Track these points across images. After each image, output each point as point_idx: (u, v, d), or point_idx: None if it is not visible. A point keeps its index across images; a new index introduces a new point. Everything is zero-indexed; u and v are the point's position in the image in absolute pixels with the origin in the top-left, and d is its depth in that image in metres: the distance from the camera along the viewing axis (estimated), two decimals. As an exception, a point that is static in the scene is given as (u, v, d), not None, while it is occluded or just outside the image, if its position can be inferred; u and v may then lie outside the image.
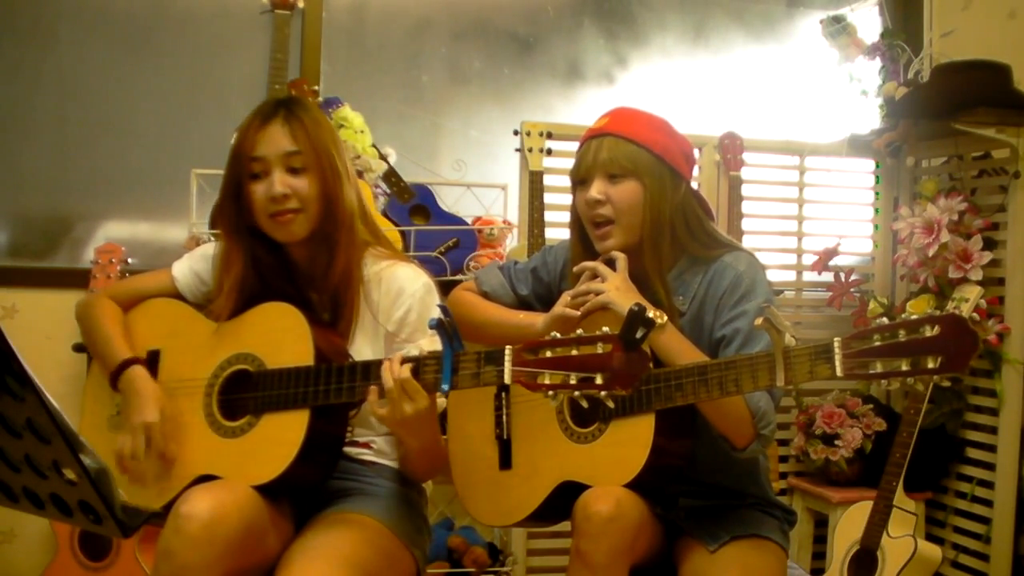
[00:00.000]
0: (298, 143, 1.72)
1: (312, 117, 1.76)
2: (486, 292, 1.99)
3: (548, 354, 1.44)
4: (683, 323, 1.82)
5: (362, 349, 1.77)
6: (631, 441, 1.72)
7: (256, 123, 1.74)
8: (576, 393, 1.42)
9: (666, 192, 1.79)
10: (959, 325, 1.35)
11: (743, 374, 1.57)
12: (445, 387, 1.53)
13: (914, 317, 1.39)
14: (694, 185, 1.93)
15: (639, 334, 1.39)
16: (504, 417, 1.91)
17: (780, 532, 1.87)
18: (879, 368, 1.40)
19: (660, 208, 1.78)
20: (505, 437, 1.90)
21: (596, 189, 1.79)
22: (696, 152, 3.11)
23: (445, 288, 2.11)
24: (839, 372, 1.44)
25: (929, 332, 1.36)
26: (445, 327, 1.51)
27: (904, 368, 1.37)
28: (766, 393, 1.69)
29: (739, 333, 1.73)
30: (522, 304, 1.98)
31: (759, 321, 1.50)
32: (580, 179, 1.84)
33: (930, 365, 1.35)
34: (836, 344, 1.45)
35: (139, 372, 1.76)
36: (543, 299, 1.97)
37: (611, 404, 1.44)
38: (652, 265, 1.80)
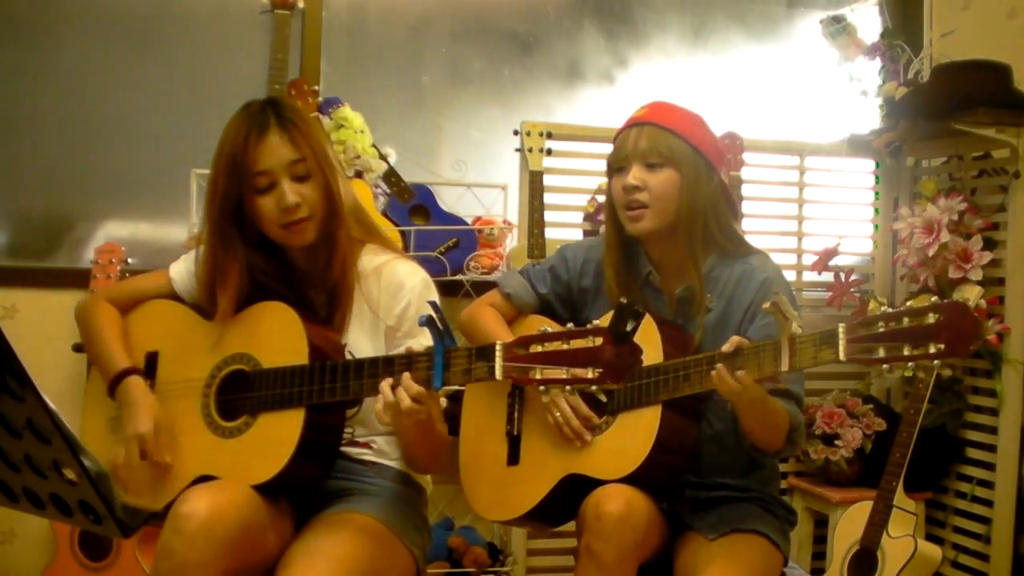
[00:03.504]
0: (300, 150, 1.71)
1: (302, 118, 1.75)
2: (508, 294, 2.03)
3: (539, 349, 1.44)
4: (709, 319, 1.86)
5: (361, 344, 1.78)
6: (636, 431, 1.74)
7: (253, 135, 1.69)
8: (568, 388, 1.43)
9: (701, 182, 1.85)
10: (960, 311, 1.38)
11: (749, 361, 1.61)
12: (437, 384, 1.54)
13: (917, 305, 1.42)
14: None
15: (629, 327, 1.40)
16: (516, 414, 1.93)
17: (780, 532, 1.88)
18: (882, 353, 1.43)
19: (695, 197, 1.84)
20: (515, 433, 1.92)
21: (634, 175, 1.84)
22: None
23: (445, 288, 2.12)
24: (842, 356, 1.48)
25: (932, 319, 1.39)
26: (436, 324, 1.52)
27: (906, 353, 1.40)
28: (797, 408, 1.77)
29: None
30: (542, 303, 2.02)
31: (767, 306, 1.55)
32: (618, 166, 1.88)
33: (931, 350, 1.38)
34: (841, 329, 1.49)
35: (135, 382, 1.76)
36: (562, 297, 2.02)
37: (603, 398, 1.45)
38: (687, 252, 1.86)
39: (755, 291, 1.83)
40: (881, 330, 1.43)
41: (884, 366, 1.44)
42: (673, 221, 1.85)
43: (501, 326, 1.99)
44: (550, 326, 1.49)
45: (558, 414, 1.80)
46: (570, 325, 1.45)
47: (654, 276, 1.92)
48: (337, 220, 1.76)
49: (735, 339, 1.64)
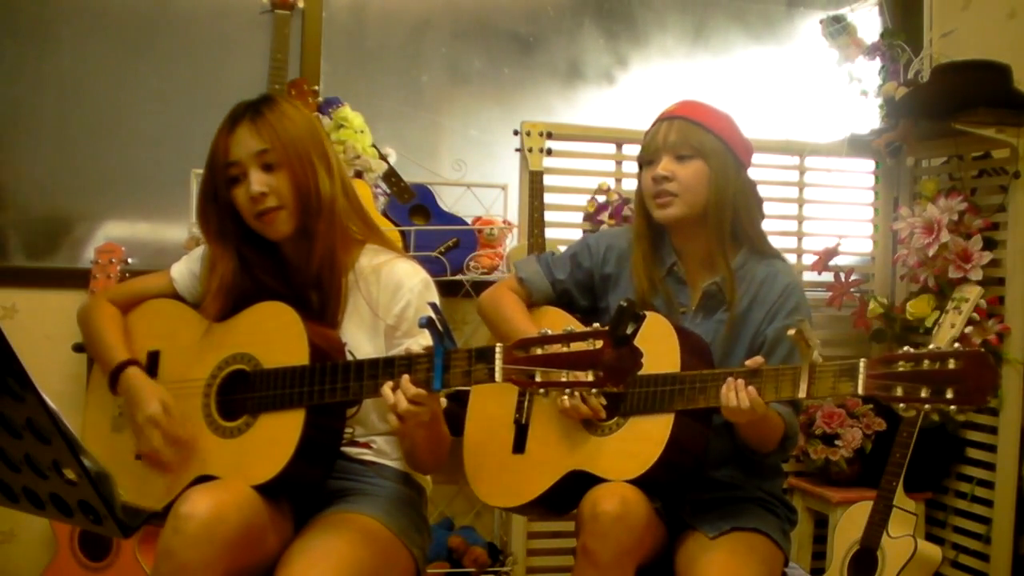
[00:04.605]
0: (265, 140, 1.72)
1: (279, 112, 1.75)
2: (522, 278, 2.04)
3: (539, 351, 1.44)
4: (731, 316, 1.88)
5: (360, 343, 1.78)
6: (647, 437, 1.74)
7: (226, 129, 1.75)
8: (567, 391, 1.43)
9: (729, 175, 1.89)
10: (981, 361, 1.40)
11: (767, 384, 1.63)
12: (436, 386, 1.55)
13: (941, 348, 1.44)
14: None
15: (629, 329, 1.40)
16: (526, 402, 1.93)
17: (781, 532, 1.89)
18: (900, 392, 1.46)
19: (724, 188, 1.88)
20: (523, 422, 1.92)
21: (663, 167, 1.87)
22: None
23: (445, 288, 2.12)
24: (860, 391, 1.51)
25: (952, 364, 1.41)
26: (436, 325, 1.52)
27: (923, 395, 1.43)
28: (793, 416, 1.80)
29: (782, 341, 1.82)
30: (558, 290, 2.03)
31: (791, 332, 1.57)
32: (648, 159, 1.92)
33: (948, 396, 1.41)
34: (862, 364, 1.52)
35: (135, 372, 1.77)
36: (582, 285, 2.02)
37: (603, 401, 1.45)
38: (716, 244, 1.88)
39: (778, 294, 1.86)
40: (901, 370, 1.46)
41: (900, 404, 1.46)
42: (701, 212, 1.88)
43: (522, 313, 1.99)
44: (568, 323, 1.49)
45: (566, 399, 1.79)
46: (571, 328, 1.45)
47: (679, 267, 1.94)
48: (314, 214, 1.76)
49: (758, 359, 1.67)
